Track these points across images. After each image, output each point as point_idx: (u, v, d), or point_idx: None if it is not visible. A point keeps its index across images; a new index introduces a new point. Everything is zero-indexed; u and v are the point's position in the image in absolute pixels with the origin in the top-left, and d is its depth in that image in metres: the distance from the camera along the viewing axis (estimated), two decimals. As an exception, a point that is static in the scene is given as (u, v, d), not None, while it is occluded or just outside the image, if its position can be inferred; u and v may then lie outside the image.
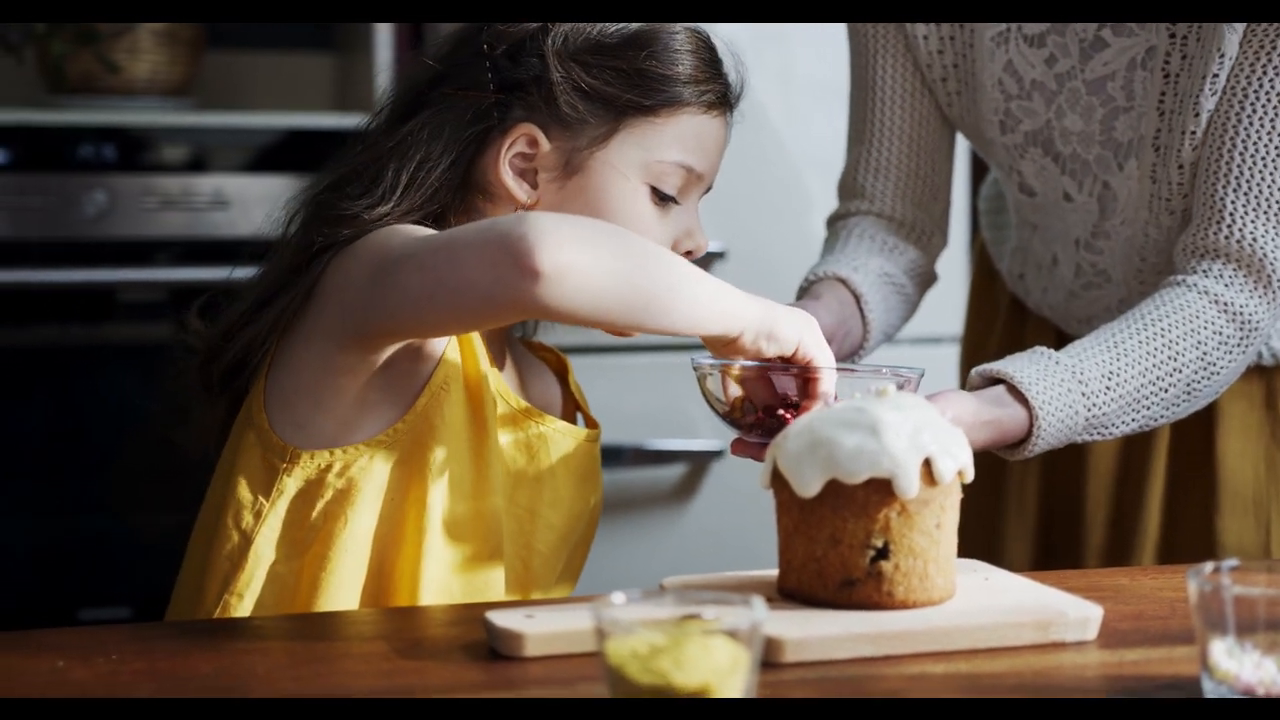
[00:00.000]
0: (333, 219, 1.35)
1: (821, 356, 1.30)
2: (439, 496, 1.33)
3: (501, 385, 1.38)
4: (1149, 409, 1.44)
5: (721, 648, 0.91)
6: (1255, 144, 1.46)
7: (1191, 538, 1.66)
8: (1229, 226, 1.47)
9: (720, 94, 1.43)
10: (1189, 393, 1.46)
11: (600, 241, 1.22)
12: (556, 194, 1.39)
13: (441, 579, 1.33)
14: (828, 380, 1.30)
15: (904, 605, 1.14)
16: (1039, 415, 1.38)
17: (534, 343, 1.56)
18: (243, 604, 1.31)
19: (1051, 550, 1.77)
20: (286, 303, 1.34)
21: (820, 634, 1.09)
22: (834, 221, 1.70)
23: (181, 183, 2.43)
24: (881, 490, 1.13)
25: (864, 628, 1.11)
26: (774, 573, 1.21)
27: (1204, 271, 1.48)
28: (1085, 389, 1.40)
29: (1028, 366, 1.40)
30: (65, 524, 2.46)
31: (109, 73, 2.52)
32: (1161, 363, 1.44)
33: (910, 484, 1.12)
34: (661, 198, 1.40)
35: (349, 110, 2.59)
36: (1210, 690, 0.99)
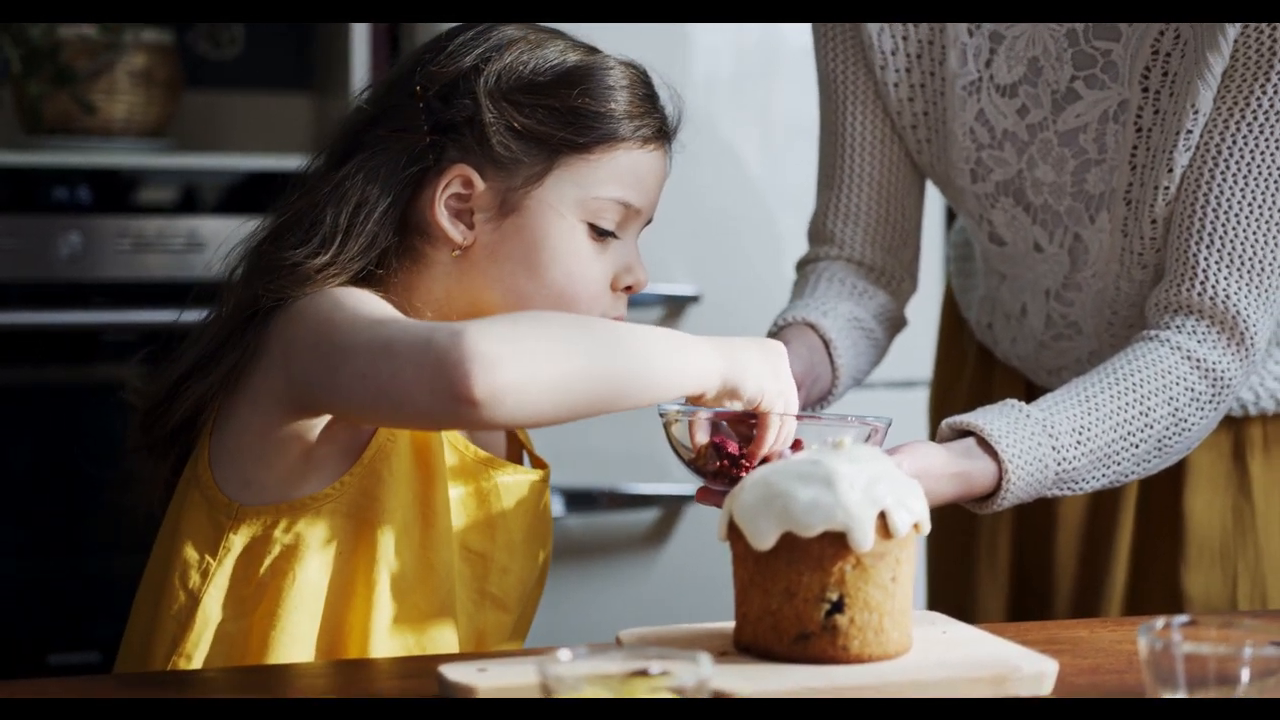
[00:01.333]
0: (274, 270, 1.34)
1: (784, 404, 1.30)
2: (388, 549, 1.32)
3: (452, 433, 1.38)
4: (1119, 465, 1.44)
5: (666, 705, 0.90)
6: (1228, 200, 1.46)
7: (1159, 590, 1.66)
8: (1201, 283, 1.47)
9: (657, 128, 1.42)
10: (1160, 449, 1.45)
11: (543, 348, 1.21)
12: (492, 234, 1.38)
13: (394, 633, 1.32)
14: (784, 435, 1.30)
15: (859, 659, 1.14)
16: (1008, 469, 1.37)
17: None
18: (191, 665, 1.30)
19: (1024, 602, 1.76)
20: (234, 361, 1.33)
21: (772, 689, 1.09)
22: (803, 266, 1.70)
23: (157, 224, 2.43)
24: (836, 543, 1.12)
25: (817, 683, 1.10)
26: (731, 625, 1.21)
27: (1177, 327, 1.48)
28: (1055, 443, 1.40)
29: (998, 419, 1.39)
30: (39, 566, 2.45)
31: (86, 114, 2.52)
32: (1133, 418, 1.43)
33: (865, 537, 1.12)
34: (600, 233, 1.39)
35: (326, 152, 2.59)
36: (1161, 748, 0.99)
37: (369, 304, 1.30)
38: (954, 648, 1.19)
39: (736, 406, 1.30)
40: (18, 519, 2.44)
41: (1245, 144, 1.45)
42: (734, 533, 1.17)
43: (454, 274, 1.38)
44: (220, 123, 2.87)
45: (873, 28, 1.59)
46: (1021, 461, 1.38)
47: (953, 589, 1.78)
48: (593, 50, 1.42)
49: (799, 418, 1.33)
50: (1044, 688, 1.14)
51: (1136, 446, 1.43)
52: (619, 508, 2.42)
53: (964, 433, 1.40)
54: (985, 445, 1.38)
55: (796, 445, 1.32)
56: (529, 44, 1.40)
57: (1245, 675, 0.98)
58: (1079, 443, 1.41)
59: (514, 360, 1.18)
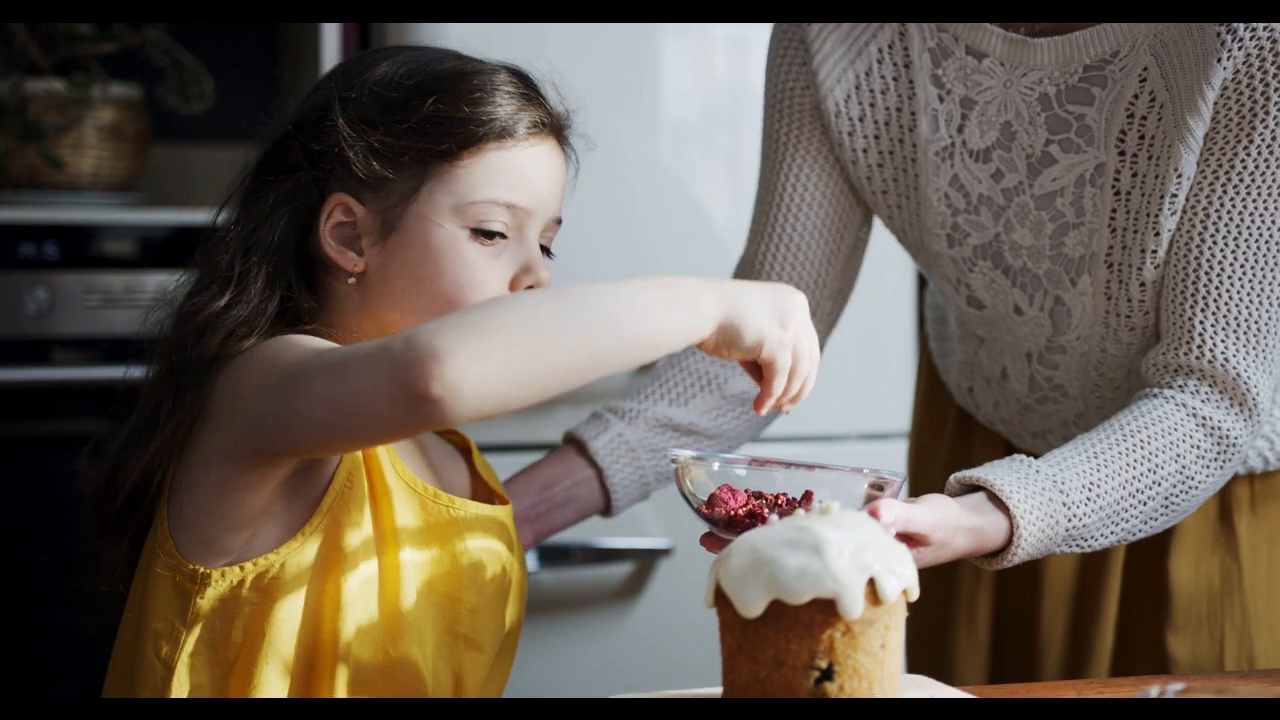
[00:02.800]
0: (198, 328, 1.34)
1: (789, 356, 1.28)
2: (354, 598, 1.31)
3: (406, 472, 1.37)
4: (1128, 522, 1.43)
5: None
6: (1220, 264, 1.46)
7: (1145, 653, 1.65)
8: (1199, 347, 1.47)
9: (534, 122, 1.41)
10: (1167, 507, 1.45)
11: (497, 331, 1.18)
12: (380, 256, 1.38)
13: (364, 682, 1.32)
14: (794, 388, 1.30)
15: (849, 727, 1.13)
16: (1019, 524, 1.37)
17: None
18: None
19: (1004, 669, 1.75)
20: (174, 428, 1.33)
21: (764, 760, 1.08)
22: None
23: (125, 279, 2.41)
24: (825, 610, 1.11)
25: (808, 752, 1.09)
26: (718, 690, 1.20)
27: (1179, 386, 1.47)
28: (1066, 499, 1.39)
29: (1008, 474, 1.39)
30: (4, 626, 2.41)
31: (53, 168, 2.50)
32: (1141, 475, 1.43)
33: (855, 604, 1.11)
34: (487, 236, 1.38)
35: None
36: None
37: (313, 341, 1.31)
38: (944, 714, 1.18)
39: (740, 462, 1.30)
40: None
41: (1234, 207, 1.45)
42: (721, 600, 1.16)
43: (358, 302, 1.39)
44: (189, 177, 2.85)
45: (839, 93, 1.58)
46: (1033, 517, 1.37)
47: (930, 658, 1.77)
48: (464, 59, 1.42)
49: (811, 468, 1.31)
50: (1036, 754, 1.13)
51: (1144, 504, 1.43)
52: (592, 562, 2.40)
53: (973, 487, 1.39)
54: (996, 500, 1.37)
55: (808, 497, 1.31)
56: (392, 64, 1.40)
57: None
58: (1089, 499, 1.40)
59: (465, 349, 1.16)
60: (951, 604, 1.75)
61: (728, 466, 1.32)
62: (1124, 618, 1.67)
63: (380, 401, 1.18)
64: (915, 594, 1.16)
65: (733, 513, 1.30)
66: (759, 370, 1.30)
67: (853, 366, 2.34)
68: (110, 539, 1.38)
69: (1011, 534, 1.37)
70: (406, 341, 1.18)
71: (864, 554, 1.12)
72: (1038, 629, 1.71)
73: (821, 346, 1.66)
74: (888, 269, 2.36)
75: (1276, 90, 1.41)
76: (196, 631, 1.30)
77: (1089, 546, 1.42)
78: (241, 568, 1.30)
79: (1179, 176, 1.46)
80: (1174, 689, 1.01)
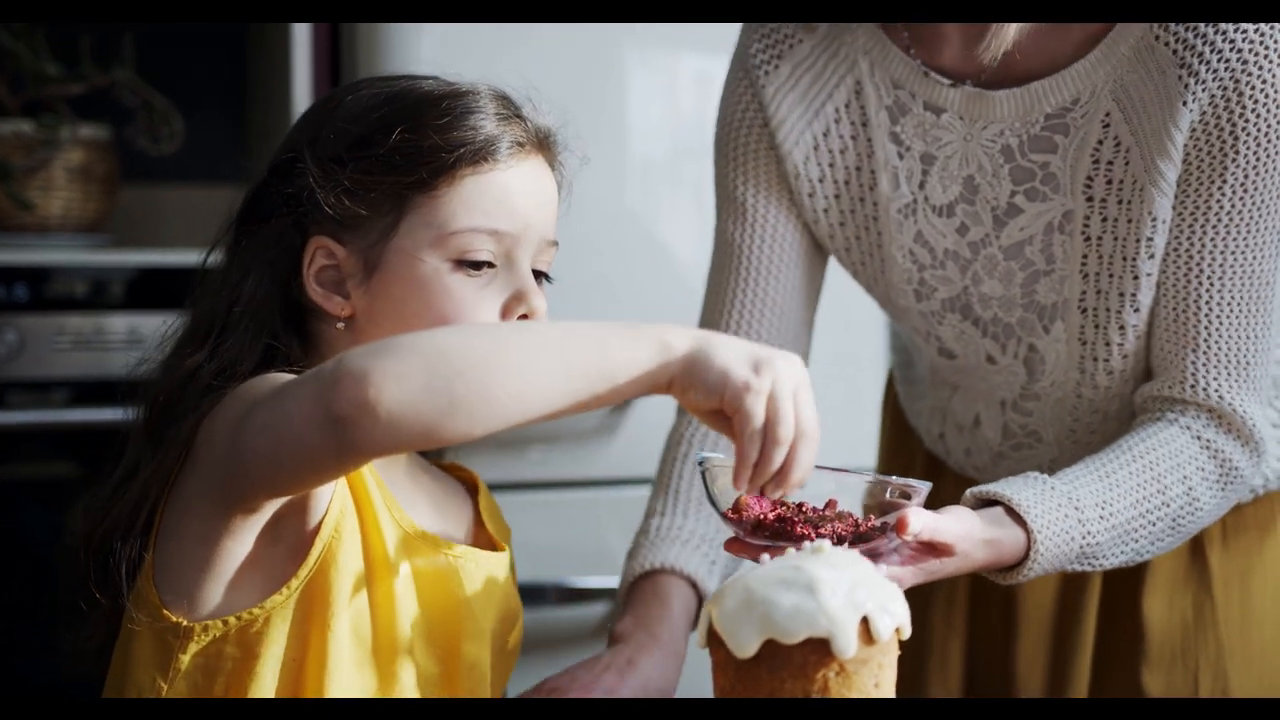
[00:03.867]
0: (180, 380, 1.32)
1: (761, 406, 1.15)
2: (341, 657, 1.27)
3: (404, 517, 1.33)
4: (1137, 542, 1.45)
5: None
6: (1209, 305, 1.47)
7: (1121, 691, 1.65)
8: (1193, 386, 1.49)
9: (514, 141, 1.35)
10: (1174, 527, 1.47)
11: (423, 351, 1.13)
12: (364, 297, 1.34)
13: None
14: (772, 460, 1.17)
15: (843, 767, 1.13)
16: (1037, 539, 1.37)
17: (446, 464, 1.52)
18: None
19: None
20: (152, 472, 1.29)
21: (761, 801, 1.07)
22: (673, 445, 1.65)
23: (95, 321, 2.40)
24: (819, 650, 1.11)
25: (805, 793, 1.09)
26: (710, 733, 1.19)
27: (1180, 412, 1.49)
28: (1081, 515, 1.40)
29: (1024, 490, 1.39)
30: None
31: (21, 210, 2.49)
32: (1151, 495, 1.44)
33: (849, 643, 1.11)
34: (475, 266, 1.33)
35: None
36: None
37: (285, 376, 1.26)
38: (936, 752, 1.18)
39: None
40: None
41: (1214, 247, 1.47)
42: (714, 640, 1.16)
43: (349, 345, 1.31)
44: (160, 217, 2.84)
45: (798, 155, 1.58)
46: (1050, 533, 1.38)
47: (901, 694, 1.76)
48: (437, 82, 1.37)
49: (839, 471, 1.28)
50: (1030, 792, 1.13)
51: (1154, 524, 1.44)
52: (567, 602, 2.39)
53: (989, 502, 1.40)
54: (1014, 515, 1.38)
55: (831, 504, 1.28)
56: (357, 98, 1.36)
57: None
58: (1102, 517, 1.41)
59: (384, 368, 1.11)
60: (924, 649, 1.74)
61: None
62: (1099, 656, 1.67)
63: (306, 425, 1.14)
64: (907, 632, 1.16)
65: (761, 517, 1.26)
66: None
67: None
68: (99, 587, 1.32)
69: (1028, 549, 1.37)
70: (335, 363, 1.14)
71: (857, 593, 1.13)
72: (1013, 670, 1.71)
73: None
74: (856, 291, 2.36)
75: (1243, 130, 1.43)
76: (178, 687, 1.26)
77: (1099, 565, 1.44)
78: (225, 622, 1.25)
79: (1153, 220, 1.47)
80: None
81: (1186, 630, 1.63)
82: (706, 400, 1.17)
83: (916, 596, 1.68)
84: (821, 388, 1.21)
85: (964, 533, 1.32)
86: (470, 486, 1.51)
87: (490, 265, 1.34)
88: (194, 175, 2.85)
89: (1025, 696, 1.69)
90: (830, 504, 1.28)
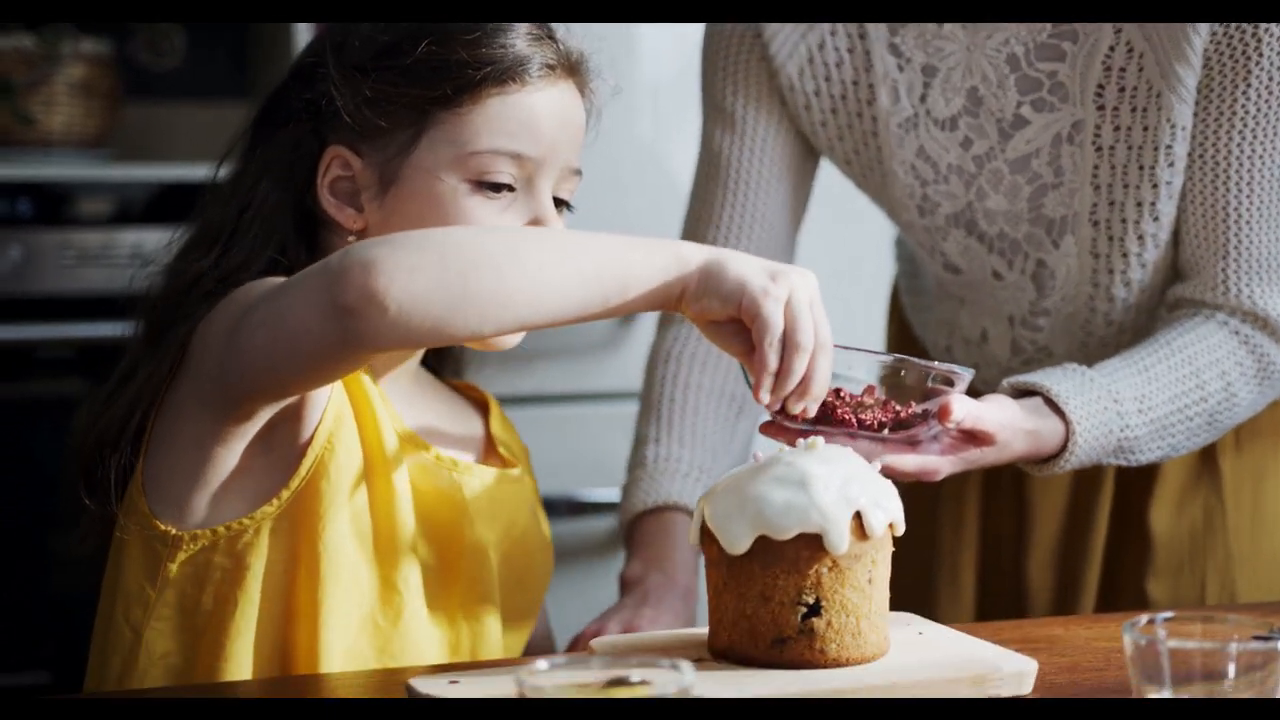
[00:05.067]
0: (183, 285, 1.30)
1: (778, 308, 1.12)
2: (335, 567, 1.25)
3: (404, 429, 1.32)
4: (1174, 436, 1.44)
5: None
6: (1239, 210, 1.46)
7: (1128, 597, 1.64)
8: (1224, 291, 1.48)
9: (545, 63, 1.31)
10: (1210, 422, 1.46)
11: (436, 246, 1.10)
12: (379, 211, 1.31)
13: (352, 655, 1.26)
14: (793, 367, 1.13)
15: (837, 663, 1.12)
16: (1076, 430, 1.37)
17: (459, 383, 1.50)
18: None
19: (988, 614, 1.73)
20: (146, 376, 1.27)
21: (752, 696, 1.07)
22: (660, 356, 1.62)
23: (100, 237, 2.39)
24: (812, 546, 1.11)
25: (796, 688, 1.08)
26: (704, 631, 1.19)
27: (1213, 310, 1.48)
28: (1120, 409, 1.39)
29: (1064, 380, 1.38)
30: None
31: (24, 126, 2.47)
32: (1189, 390, 1.44)
33: (841, 539, 1.10)
34: (494, 188, 1.30)
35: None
36: (1148, 746, 0.98)
37: (275, 281, 1.24)
38: (932, 649, 1.18)
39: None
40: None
41: (1242, 152, 1.44)
42: (707, 537, 1.15)
43: None
44: (161, 133, 2.82)
45: (791, 68, 1.54)
46: (1089, 424, 1.37)
47: (911, 605, 1.76)
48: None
49: (883, 355, 1.25)
50: (1024, 687, 1.12)
51: (1191, 419, 1.44)
52: (575, 515, 2.39)
53: (1028, 392, 1.39)
54: (1053, 406, 1.37)
55: (869, 391, 1.23)
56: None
57: (1231, 670, 0.97)
58: (1140, 411, 1.40)
59: (395, 260, 1.09)
60: (933, 555, 1.73)
61: None
62: (1109, 564, 1.66)
63: (309, 316, 1.12)
64: (901, 528, 1.15)
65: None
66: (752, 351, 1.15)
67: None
68: (88, 492, 1.30)
69: (1067, 440, 1.36)
70: (342, 253, 1.12)
71: (849, 488, 1.12)
72: (1025, 582, 1.69)
73: None
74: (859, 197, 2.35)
75: (1267, 29, 1.40)
76: (166, 596, 1.24)
77: (1136, 460, 1.43)
78: (214, 532, 1.24)
79: (1172, 127, 1.44)
80: (1162, 618, 1.00)
81: (1195, 537, 1.62)
82: (723, 308, 1.14)
83: (925, 508, 1.68)
84: (824, 297, 1.19)
85: (1006, 421, 1.31)
86: (482, 407, 1.49)
87: (510, 189, 1.31)
88: (195, 92, 2.83)
89: (1035, 607, 1.68)
90: (868, 390, 1.24)
